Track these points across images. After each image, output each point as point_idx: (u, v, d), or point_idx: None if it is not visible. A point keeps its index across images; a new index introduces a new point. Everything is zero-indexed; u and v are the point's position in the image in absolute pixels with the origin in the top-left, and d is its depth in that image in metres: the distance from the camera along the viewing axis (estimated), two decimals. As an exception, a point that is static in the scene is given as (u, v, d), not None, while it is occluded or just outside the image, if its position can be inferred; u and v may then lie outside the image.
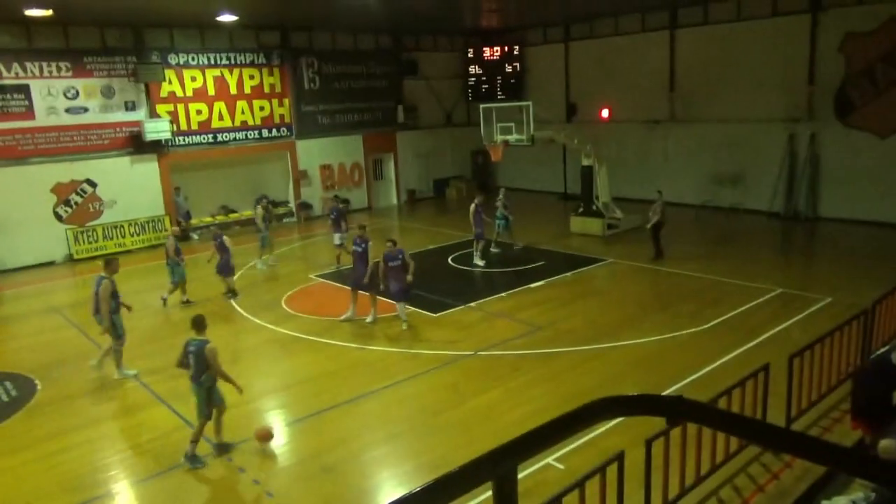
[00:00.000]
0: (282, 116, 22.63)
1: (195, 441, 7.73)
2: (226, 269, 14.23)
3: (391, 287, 11.70)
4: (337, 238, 16.18)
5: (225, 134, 21.45)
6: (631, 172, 22.85)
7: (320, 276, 15.55)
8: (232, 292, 14.34)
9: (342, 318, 12.37)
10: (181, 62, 20.34)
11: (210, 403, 7.83)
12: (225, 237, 14.31)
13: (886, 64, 17.34)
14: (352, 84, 24.16)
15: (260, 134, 22.22)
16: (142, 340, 12.14)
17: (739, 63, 19.99)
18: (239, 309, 13.55)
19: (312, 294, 14.48)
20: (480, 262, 15.89)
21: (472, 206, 15.88)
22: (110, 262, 10.47)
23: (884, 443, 5.56)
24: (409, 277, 11.58)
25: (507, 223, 17.09)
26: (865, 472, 2.12)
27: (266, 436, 8.08)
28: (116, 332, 10.30)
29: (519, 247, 17.13)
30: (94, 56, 18.81)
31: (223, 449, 7.94)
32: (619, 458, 5.49)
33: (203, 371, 7.73)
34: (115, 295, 10.28)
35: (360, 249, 12.21)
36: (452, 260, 16.56)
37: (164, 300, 14.02)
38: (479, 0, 19.89)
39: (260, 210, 16.55)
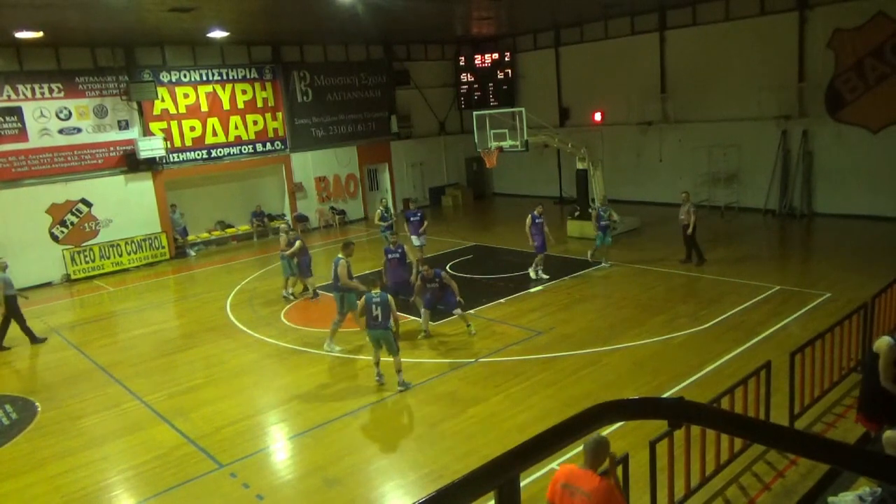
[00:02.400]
0: (275, 130, 22.67)
1: (400, 370, 9.59)
2: (304, 271, 14.60)
3: (433, 302, 11.78)
4: (416, 240, 16.08)
5: (219, 149, 21.47)
6: (626, 175, 22.94)
7: (319, 287, 15.51)
8: (314, 293, 14.84)
9: (424, 330, 11.89)
10: (173, 79, 20.38)
11: (398, 339, 9.71)
12: (299, 241, 14.65)
13: (875, 59, 17.42)
14: (344, 95, 24.22)
15: (254, 148, 22.24)
16: (142, 358, 12.13)
17: (729, 62, 20.09)
18: (238, 324, 13.53)
19: (312, 307, 14.46)
20: (545, 276, 14.71)
21: (529, 218, 14.62)
22: (347, 244, 11.69)
23: (888, 434, 5.56)
24: (458, 300, 11.65)
25: (605, 235, 15.36)
26: (869, 469, 2.12)
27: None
28: (343, 308, 11.36)
29: (606, 266, 15.47)
30: (86, 76, 18.84)
31: (381, 377, 9.92)
32: (624, 460, 5.48)
33: (389, 317, 9.40)
34: (349, 275, 11.31)
35: (397, 255, 12.58)
36: (451, 268, 16.53)
37: (289, 295, 14.78)
38: (470, 9, 19.97)
39: (379, 210, 17.19)
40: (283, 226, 15.71)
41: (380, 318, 9.39)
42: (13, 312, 13.06)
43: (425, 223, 16.51)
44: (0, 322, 13.08)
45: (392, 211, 17.79)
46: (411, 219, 16.56)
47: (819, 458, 2.07)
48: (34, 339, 13.30)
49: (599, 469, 4.36)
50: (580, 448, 7.13)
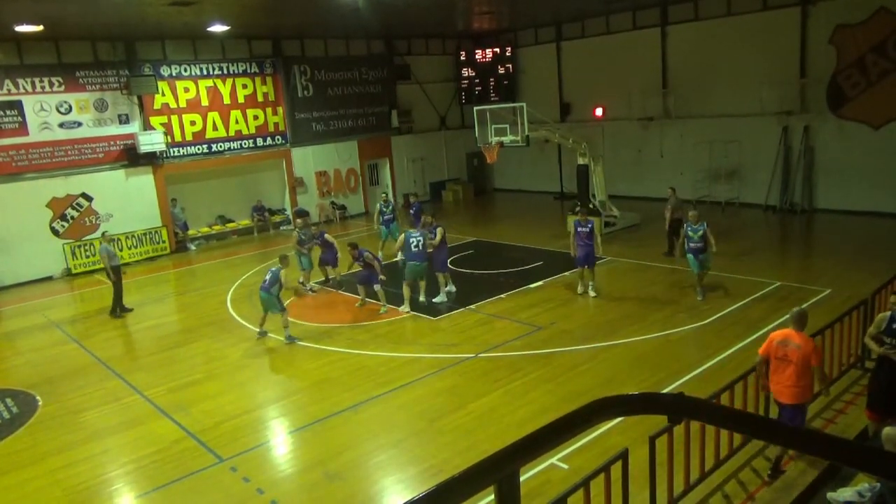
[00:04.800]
0: (276, 125, 22.64)
1: (286, 327, 11.87)
2: (333, 261, 14.83)
3: (364, 278, 13.36)
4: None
5: (219, 144, 21.45)
6: (627, 170, 22.92)
7: (319, 282, 15.53)
8: (337, 283, 14.97)
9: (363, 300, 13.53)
10: (174, 73, 20.34)
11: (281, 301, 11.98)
12: (326, 234, 14.99)
13: (877, 54, 17.38)
14: (345, 90, 24.17)
15: (255, 143, 22.22)
16: (142, 353, 12.17)
17: (731, 58, 20.04)
18: (238, 318, 13.54)
19: (311, 301, 14.47)
20: (592, 294, 13.06)
21: (572, 228, 13.24)
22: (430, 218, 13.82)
23: (887, 430, 5.58)
24: (381, 277, 13.04)
25: (698, 256, 12.17)
26: (868, 465, 2.13)
27: None
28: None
29: (700, 299, 12.27)
30: (87, 70, 18.80)
31: (264, 334, 12.14)
32: (623, 456, 5.49)
33: (274, 284, 11.72)
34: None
35: (433, 236, 13.30)
36: (451, 263, 16.51)
37: (309, 288, 14.95)
38: (471, 3, 19.92)
39: (378, 205, 17.50)
40: (298, 221, 16.15)
41: (266, 284, 11.78)
42: (117, 281, 14.23)
43: (421, 217, 16.57)
44: (113, 290, 14.26)
45: (393, 204, 17.93)
46: (409, 212, 16.83)
47: (818, 453, 2.07)
48: (122, 311, 14.38)
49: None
50: (581, 443, 7.20)
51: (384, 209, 17.21)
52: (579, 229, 13.02)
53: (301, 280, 14.86)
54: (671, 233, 15.25)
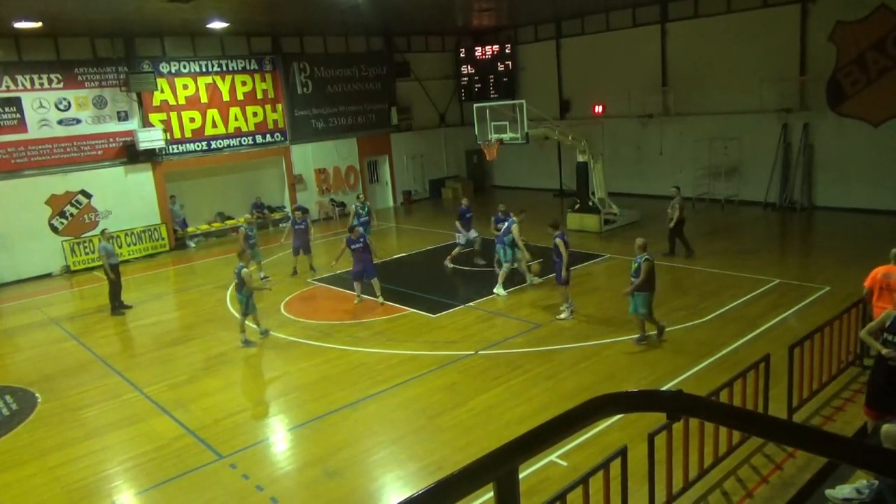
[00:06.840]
0: (275, 122, 22.62)
1: (258, 324, 12.00)
2: (306, 247, 16.07)
3: (359, 272, 13.46)
4: (462, 238, 15.72)
5: (219, 141, 21.43)
6: (626, 167, 22.91)
7: (318, 280, 15.54)
8: (312, 268, 16.29)
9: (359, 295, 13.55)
10: (173, 70, 20.31)
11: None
12: (309, 222, 16.48)
13: (876, 52, 17.37)
14: (344, 87, 24.16)
15: (254, 140, 22.20)
16: (142, 350, 12.17)
17: (731, 55, 20.03)
18: (238, 315, 13.50)
19: (311, 298, 14.48)
20: (560, 316, 11.83)
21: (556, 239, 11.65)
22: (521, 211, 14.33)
23: (886, 427, 5.59)
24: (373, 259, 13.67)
25: (638, 302, 10.18)
26: (866, 462, 2.13)
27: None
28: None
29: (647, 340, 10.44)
30: (85, 67, 18.78)
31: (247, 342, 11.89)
32: (622, 453, 5.50)
33: (242, 287, 11.48)
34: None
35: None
36: (451, 260, 16.52)
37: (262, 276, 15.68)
38: (470, 0, 19.89)
39: (354, 206, 17.82)
40: (247, 217, 16.68)
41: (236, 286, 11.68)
42: (115, 279, 14.34)
43: (471, 221, 15.78)
44: (110, 288, 14.39)
45: (369, 206, 17.97)
46: (467, 215, 15.70)
47: (817, 450, 2.07)
48: (121, 307, 14.47)
49: None
50: (580, 440, 7.21)
51: (360, 211, 17.25)
52: (562, 240, 11.68)
53: (262, 275, 15.59)
54: (675, 233, 14.99)
